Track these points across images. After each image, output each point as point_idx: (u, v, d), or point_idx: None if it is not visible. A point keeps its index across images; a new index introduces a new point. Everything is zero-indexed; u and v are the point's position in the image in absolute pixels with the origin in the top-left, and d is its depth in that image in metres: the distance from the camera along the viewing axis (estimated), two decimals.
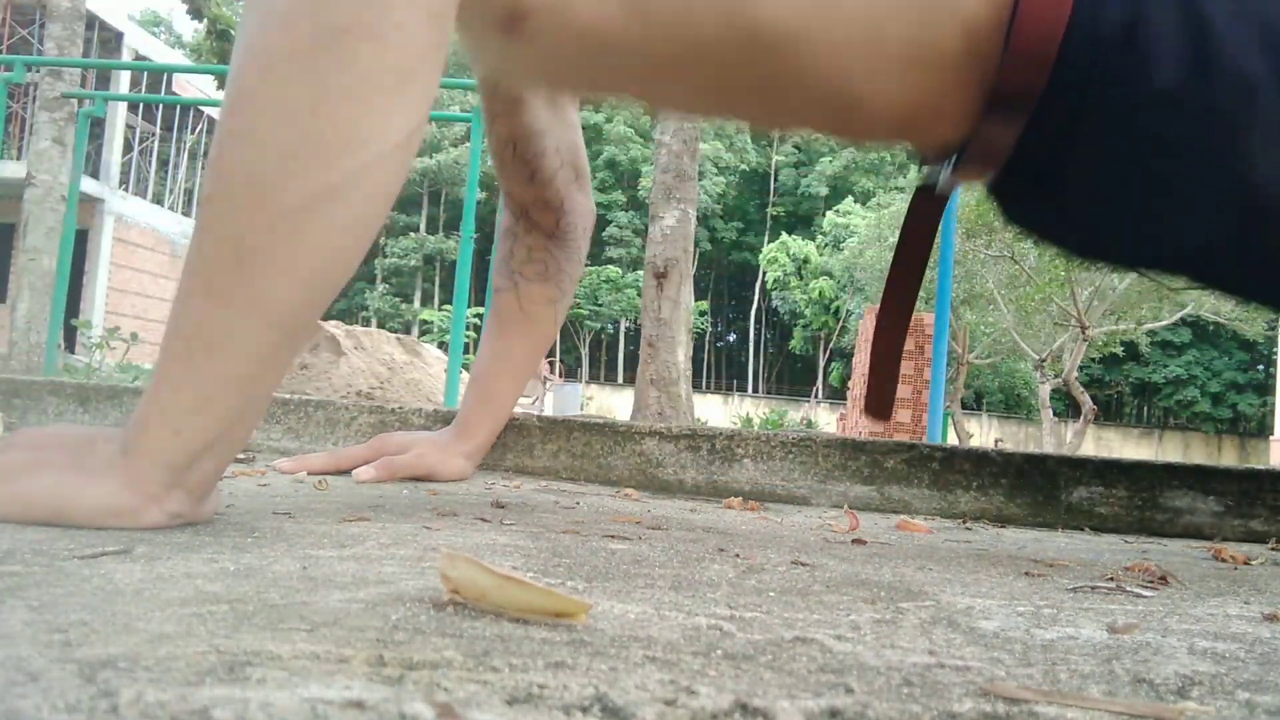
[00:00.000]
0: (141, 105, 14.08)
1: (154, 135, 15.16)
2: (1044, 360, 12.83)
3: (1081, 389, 11.18)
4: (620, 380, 29.87)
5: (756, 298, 32.15)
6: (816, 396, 25.43)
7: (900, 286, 0.87)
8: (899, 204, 19.25)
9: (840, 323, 25.46)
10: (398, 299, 31.77)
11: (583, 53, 0.74)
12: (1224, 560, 0.86)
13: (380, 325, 25.44)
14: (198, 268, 0.60)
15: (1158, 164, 0.71)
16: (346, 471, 1.10)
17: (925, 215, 0.85)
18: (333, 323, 3.66)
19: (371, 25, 0.59)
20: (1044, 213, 0.80)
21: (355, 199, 0.61)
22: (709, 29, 0.71)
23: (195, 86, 13.10)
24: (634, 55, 0.73)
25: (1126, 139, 0.70)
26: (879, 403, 0.91)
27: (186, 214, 15.26)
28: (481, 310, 1.52)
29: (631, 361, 31.38)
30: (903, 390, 8.19)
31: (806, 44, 0.70)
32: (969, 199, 8.68)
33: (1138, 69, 0.67)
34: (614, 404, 22.39)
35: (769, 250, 28.22)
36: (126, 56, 13.17)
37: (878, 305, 1.87)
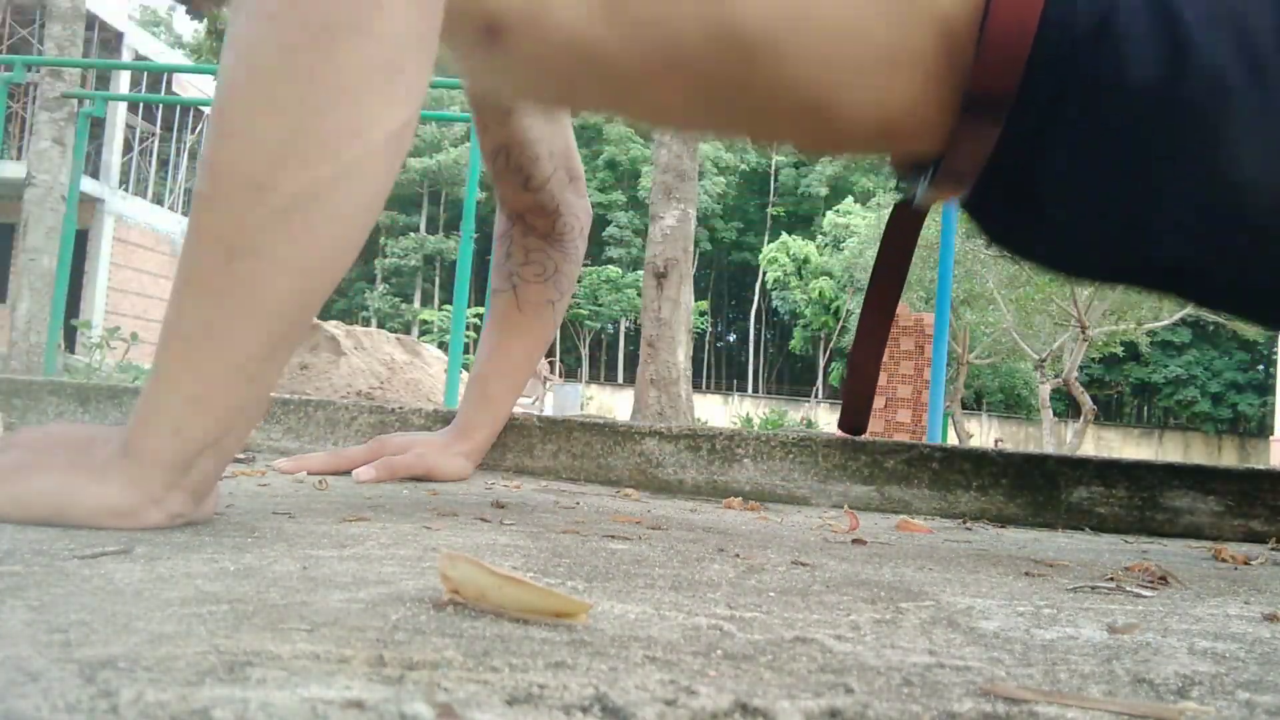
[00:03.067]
0: (141, 105, 14.08)
1: (154, 135, 15.16)
2: (1044, 360, 12.83)
3: (1081, 389, 11.18)
4: (620, 380, 29.86)
5: (756, 298, 32.15)
6: (816, 396, 25.43)
7: (880, 298, 0.89)
8: None
9: (840, 323, 25.43)
10: (398, 299, 31.77)
11: (563, 65, 0.75)
12: (1224, 560, 0.86)
13: (380, 325, 25.43)
14: (193, 266, 0.60)
15: (1133, 164, 0.70)
16: (346, 472, 1.10)
17: (904, 230, 0.87)
18: (333, 323, 3.66)
19: (358, 20, 0.59)
20: (1022, 225, 0.79)
21: (348, 193, 0.61)
22: (688, 35, 0.71)
23: (195, 86, 13.09)
24: (615, 66, 0.73)
25: (1100, 139, 0.70)
26: (855, 413, 0.91)
27: (187, 214, 15.20)
28: (481, 310, 1.53)
29: (631, 361, 31.35)
30: (903, 390, 8.19)
31: (783, 45, 0.71)
32: None
33: (1111, 66, 0.67)
34: (614, 404, 22.39)
35: (769, 250, 28.20)
36: (126, 56, 13.17)
37: None
